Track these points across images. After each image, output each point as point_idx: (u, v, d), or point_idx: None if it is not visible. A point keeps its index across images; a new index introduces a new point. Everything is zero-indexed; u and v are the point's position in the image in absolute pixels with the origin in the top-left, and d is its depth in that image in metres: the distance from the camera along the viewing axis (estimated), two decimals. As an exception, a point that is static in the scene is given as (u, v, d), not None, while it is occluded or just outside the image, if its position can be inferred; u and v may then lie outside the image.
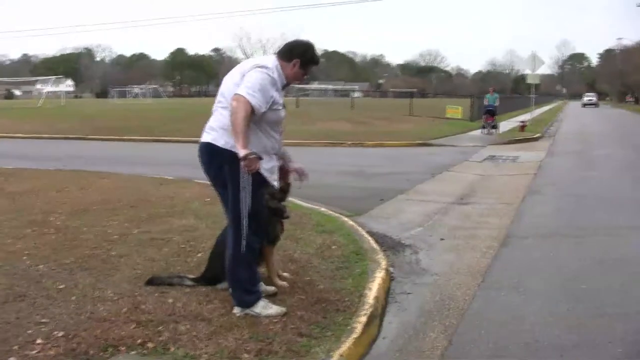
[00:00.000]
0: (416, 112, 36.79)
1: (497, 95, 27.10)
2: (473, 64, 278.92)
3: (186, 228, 6.80)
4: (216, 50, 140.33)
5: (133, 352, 3.70)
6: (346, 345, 3.90)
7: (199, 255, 5.67)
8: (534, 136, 24.06)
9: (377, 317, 4.60)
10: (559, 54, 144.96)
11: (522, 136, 23.75)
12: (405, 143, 20.92)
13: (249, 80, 4.11)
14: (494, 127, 25.39)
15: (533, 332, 4.40)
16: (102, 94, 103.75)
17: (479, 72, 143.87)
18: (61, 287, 4.79)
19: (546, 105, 74.94)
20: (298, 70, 4.43)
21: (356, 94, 63.26)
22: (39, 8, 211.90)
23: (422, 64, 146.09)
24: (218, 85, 4.72)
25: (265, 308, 4.33)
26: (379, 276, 5.29)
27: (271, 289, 4.74)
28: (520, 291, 5.33)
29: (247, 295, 4.35)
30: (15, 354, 3.61)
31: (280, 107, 4.34)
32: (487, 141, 22.06)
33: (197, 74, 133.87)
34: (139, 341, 3.81)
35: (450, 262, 6.22)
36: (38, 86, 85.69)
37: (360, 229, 7.18)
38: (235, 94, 4.04)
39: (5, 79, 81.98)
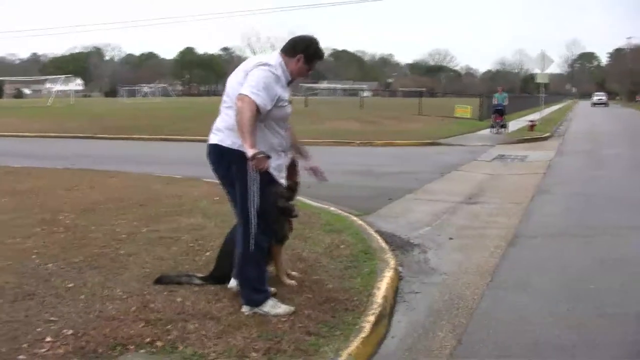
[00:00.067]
0: (425, 111, 36.71)
1: (506, 94, 27.02)
2: (482, 63, 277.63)
3: (195, 227, 6.81)
4: (225, 49, 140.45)
5: (142, 351, 3.70)
6: (355, 344, 3.89)
7: (208, 254, 5.67)
8: (543, 135, 23.95)
9: (386, 316, 4.59)
10: (568, 53, 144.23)
11: (532, 135, 23.65)
12: (414, 142, 20.87)
13: (252, 79, 4.10)
14: (503, 126, 25.33)
15: (540, 333, 4.38)
16: (111, 93, 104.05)
17: (488, 72, 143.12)
18: (70, 285, 4.81)
19: (555, 104, 74.59)
20: (302, 66, 4.41)
21: (365, 94, 63.21)
22: (48, 7, 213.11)
23: (431, 63, 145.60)
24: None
25: (273, 307, 4.32)
26: (387, 275, 5.28)
27: (271, 289, 4.73)
28: (529, 291, 5.31)
29: (255, 294, 4.35)
30: (24, 352, 3.63)
31: (286, 104, 4.33)
32: (496, 140, 21.98)
33: (206, 73, 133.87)
34: (147, 340, 3.82)
35: (458, 261, 6.21)
36: (47, 85, 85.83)
37: (369, 228, 7.17)
38: (240, 94, 4.03)
39: (15, 78, 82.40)
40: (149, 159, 15.94)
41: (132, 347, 3.73)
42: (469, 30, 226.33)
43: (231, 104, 4.19)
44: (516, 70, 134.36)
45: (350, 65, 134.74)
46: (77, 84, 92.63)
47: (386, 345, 4.22)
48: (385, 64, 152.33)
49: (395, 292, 5.19)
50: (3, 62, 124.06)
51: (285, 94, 4.31)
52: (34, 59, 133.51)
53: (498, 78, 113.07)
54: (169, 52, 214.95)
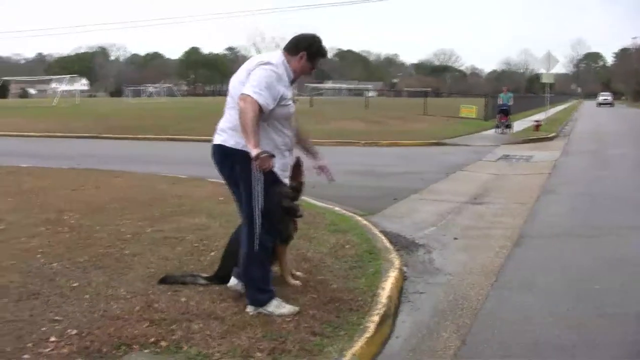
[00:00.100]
0: (430, 111, 36.66)
1: (511, 94, 26.95)
2: (487, 63, 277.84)
3: (199, 227, 6.81)
4: (230, 49, 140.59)
5: (146, 351, 3.70)
6: (359, 344, 3.89)
7: (212, 254, 5.67)
8: (549, 135, 23.88)
9: (390, 316, 4.58)
10: (574, 53, 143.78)
11: (537, 135, 23.60)
12: (419, 142, 20.84)
13: (254, 79, 4.08)
14: (508, 126, 25.29)
15: (540, 332, 4.36)
16: (117, 93, 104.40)
17: (494, 72, 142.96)
18: (75, 285, 4.81)
19: (561, 104, 74.47)
20: (305, 64, 4.40)
21: (370, 93, 63.12)
22: (54, 8, 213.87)
23: (437, 63, 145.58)
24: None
25: (278, 307, 4.32)
26: (392, 275, 5.27)
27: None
28: (534, 292, 5.30)
29: (260, 294, 4.34)
30: (29, 351, 3.63)
31: (289, 102, 4.31)
32: (501, 140, 21.95)
33: (212, 72, 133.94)
34: (152, 340, 3.82)
35: (463, 261, 6.19)
36: (53, 85, 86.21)
37: (373, 228, 7.16)
38: (242, 94, 4.02)
39: (21, 78, 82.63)
40: (154, 158, 15.96)
41: (136, 347, 3.73)
42: (475, 30, 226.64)
43: (234, 104, 4.18)
44: (521, 70, 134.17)
45: (356, 65, 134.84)
46: (82, 84, 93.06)
47: (390, 346, 4.21)
48: (390, 64, 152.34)
49: (399, 293, 5.18)
50: (9, 62, 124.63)
51: (288, 93, 4.29)
52: (40, 59, 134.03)
53: (503, 78, 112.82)
54: (174, 52, 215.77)
